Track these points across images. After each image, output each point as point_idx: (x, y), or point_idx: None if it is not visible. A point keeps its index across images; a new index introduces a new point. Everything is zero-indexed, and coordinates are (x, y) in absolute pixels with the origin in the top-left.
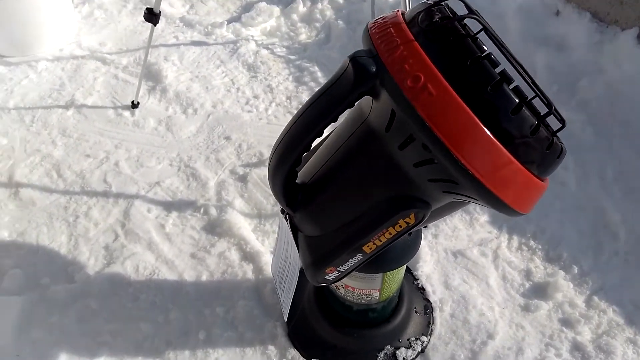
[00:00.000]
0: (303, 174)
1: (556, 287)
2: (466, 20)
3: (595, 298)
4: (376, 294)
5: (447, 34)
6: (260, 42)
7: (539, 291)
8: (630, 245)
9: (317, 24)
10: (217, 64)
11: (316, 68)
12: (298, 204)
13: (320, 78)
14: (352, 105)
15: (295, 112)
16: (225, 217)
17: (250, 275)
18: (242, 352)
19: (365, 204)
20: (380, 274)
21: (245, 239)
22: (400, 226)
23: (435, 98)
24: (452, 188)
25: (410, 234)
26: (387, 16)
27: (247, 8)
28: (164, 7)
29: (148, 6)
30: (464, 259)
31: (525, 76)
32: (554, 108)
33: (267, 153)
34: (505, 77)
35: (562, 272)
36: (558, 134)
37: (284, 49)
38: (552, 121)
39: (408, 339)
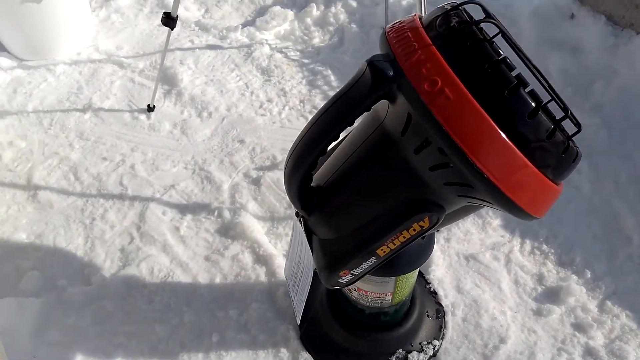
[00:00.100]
0: (318, 177)
1: (569, 291)
2: (482, 24)
3: (608, 303)
4: (389, 297)
5: (464, 39)
6: (274, 46)
7: (552, 295)
8: None
9: (331, 28)
10: (232, 68)
11: (329, 72)
12: (313, 207)
13: (333, 82)
14: (369, 109)
15: (308, 115)
16: (238, 220)
17: (263, 278)
18: (254, 354)
19: (380, 207)
20: (393, 278)
21: (258, 242)
22: (415, 230)
23: (452, 102)
24: (467, 192)
25: (423, 238)
26: (405, 20)
27: (261, 12)
28: (180, 11)
29: (165, 10)
30: (476, 262)
31: (542, 80)
32: (570, 112)
33: (280, 156)
34: (522, 81)
35: (574, 277)
36: (573, 138)
37: (298, 53)
38: (568, 125)
39: (420, 343)
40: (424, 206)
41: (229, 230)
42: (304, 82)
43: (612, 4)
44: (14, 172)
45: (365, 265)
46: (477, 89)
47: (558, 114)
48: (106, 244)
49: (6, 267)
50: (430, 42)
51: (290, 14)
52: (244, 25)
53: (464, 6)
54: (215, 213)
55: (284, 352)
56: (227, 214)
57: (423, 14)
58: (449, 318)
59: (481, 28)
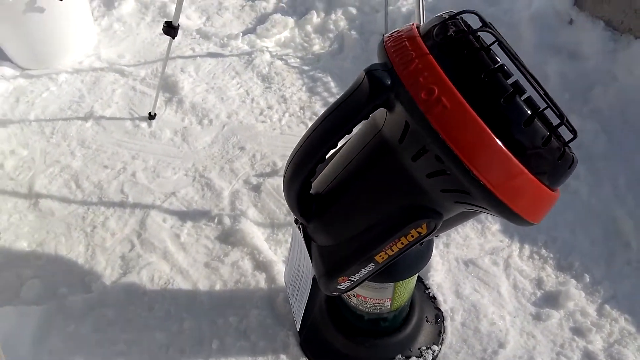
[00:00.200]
0: (317, 184)
1: (568, 295)
2: (480, 33)
3: (607, 307)
4: (388, 303)
5: (461, 48)
6: (274, 53)
7: (551, 300)
8: None
9: (331, 35)
10: (232, 75)
11: (329, 78)
12: (312, 214)
13: (333, 88)
14: (367, 118)
15: (308, 122)
16: (238, 226)
17: (263, 284)
18: None
19: (378, 214)
20: (392, 284)
21: (258, 249)
22: (412, 236)
23: (449, 111)
24: (464, 198)
25: (421, 244)
26: (403, 30)
27: (262, 20)
28: (181, 20)
29: (167, 19)
30: (475, 267)
31: (538, 88)
32: (566, 119)
33: (280, 163)
34: (518, 89)
35: (573, 281)
36: (570, 144)
37: (298, 60)
38: (564, 131)
39: (419, 348)
40: (422, 213)
41: (229, 237)
42: (304, 88)
43: (611, 10)
44: (15, 180)
45: (364, 272)
46: (474, 97)
47: (555, 120)
48: (107, 251)
49: (7, 275)
50: (428, 51)
51: (290, 21)
52: (244, 33)
53: (461, 15)
54: (216, 220)
55: (283, 359)
56: (227, 221)
57: (421, 23)
58: (448, 323)
59: (478, 37)
